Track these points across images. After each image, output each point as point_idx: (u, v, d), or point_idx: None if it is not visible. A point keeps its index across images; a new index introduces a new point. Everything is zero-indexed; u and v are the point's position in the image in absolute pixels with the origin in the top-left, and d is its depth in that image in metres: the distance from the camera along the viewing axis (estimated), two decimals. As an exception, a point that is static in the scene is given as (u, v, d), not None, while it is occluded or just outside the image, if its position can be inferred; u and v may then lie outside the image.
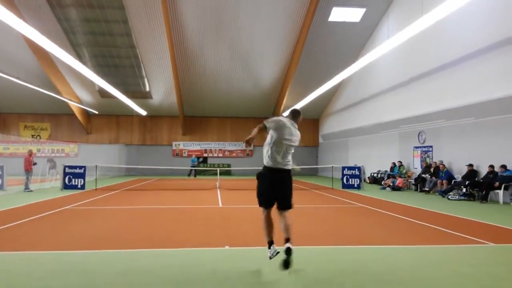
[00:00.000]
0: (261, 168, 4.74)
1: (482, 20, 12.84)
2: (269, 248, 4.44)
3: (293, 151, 4.68)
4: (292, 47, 21.47)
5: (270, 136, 4.61)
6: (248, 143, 4.40)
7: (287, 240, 4.30)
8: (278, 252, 4.33)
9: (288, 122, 4.63)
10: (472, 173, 12.96)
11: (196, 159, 28.80)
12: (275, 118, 4.64)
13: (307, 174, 29.98)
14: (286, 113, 4.89)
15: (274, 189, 4.57)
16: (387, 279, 4.24)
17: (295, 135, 4.68)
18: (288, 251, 4.22)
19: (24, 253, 5.34)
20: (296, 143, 4.68)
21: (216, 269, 4.57)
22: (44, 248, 5.57)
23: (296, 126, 4.77)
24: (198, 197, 13.18)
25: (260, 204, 4.67)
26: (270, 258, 4.39)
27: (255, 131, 4.55)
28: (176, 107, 26.90)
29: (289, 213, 4.57)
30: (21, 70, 21.11)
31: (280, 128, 4.54)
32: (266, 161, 4.63)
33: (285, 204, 4.59)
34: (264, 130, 4.57)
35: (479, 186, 12.30)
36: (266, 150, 4.63)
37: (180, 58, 22.11)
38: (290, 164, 4.67)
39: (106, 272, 4.45)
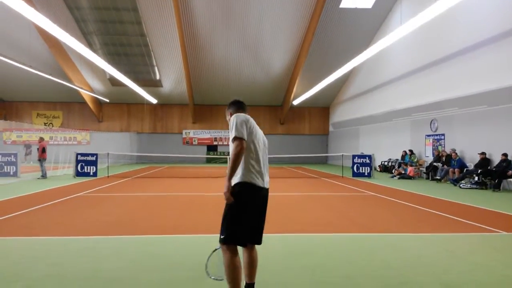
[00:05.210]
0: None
1: (494, 7, 12.52)
2: None
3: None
4: (303, 34, 21.23)
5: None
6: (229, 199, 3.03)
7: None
8: None
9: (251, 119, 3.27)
10: (484, 161, 12.80)
11: None
12: (239, 117, 3.16)
13: (317, 163, 29.93)
14: (235, 108, 3.74)
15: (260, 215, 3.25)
16: (395, 266, 4.24)
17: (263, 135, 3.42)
18: None
19: (38, 238, 5.45)
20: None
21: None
22: (58, 234, 5.68)
23: None
24: (209, 184, 13.27)
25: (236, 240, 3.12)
26: None
27: (234, 162, 2.99)
28: (186, 95, 26.94)
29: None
30: (33, 58, 21.31)
31: (252, 129, 3.19)
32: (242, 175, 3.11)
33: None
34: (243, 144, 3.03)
35: (491, 174, 12.15)
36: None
37: (190, 46, 22.06)
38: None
39: (118, 257, 4.53)
